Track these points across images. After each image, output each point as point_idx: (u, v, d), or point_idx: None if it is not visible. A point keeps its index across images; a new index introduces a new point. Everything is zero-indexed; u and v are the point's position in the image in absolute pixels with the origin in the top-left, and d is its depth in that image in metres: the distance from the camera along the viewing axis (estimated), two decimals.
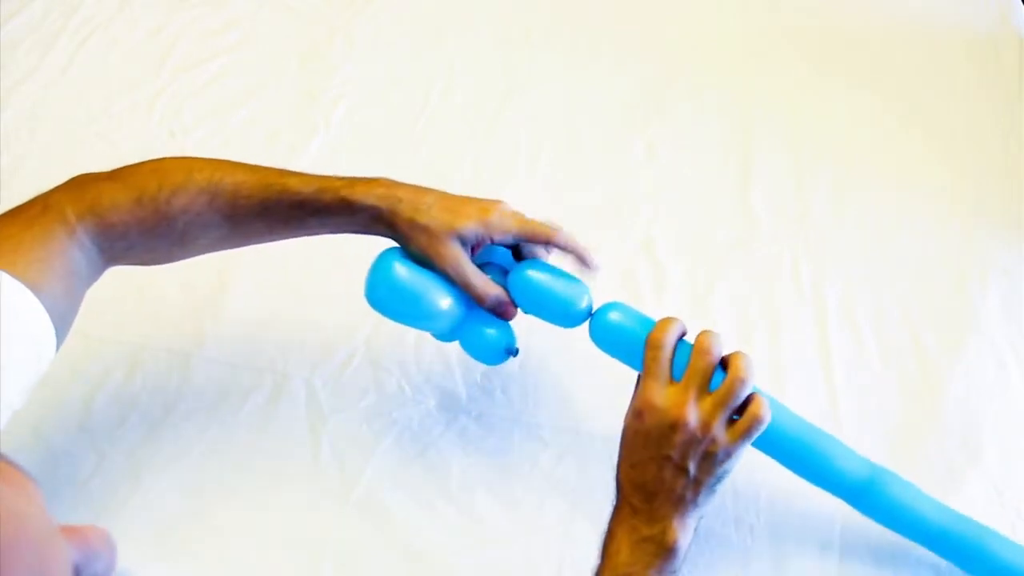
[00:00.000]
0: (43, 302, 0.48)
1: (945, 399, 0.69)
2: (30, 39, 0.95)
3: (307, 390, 0.69)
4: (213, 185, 0.55)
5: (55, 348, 0.50)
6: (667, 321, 0.58)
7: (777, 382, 0.70)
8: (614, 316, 0.60)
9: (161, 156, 0.58)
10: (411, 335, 0.72)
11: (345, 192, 0.56)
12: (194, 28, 0.96)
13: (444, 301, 0.58)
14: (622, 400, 0.69)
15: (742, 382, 0.55)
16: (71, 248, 0.52)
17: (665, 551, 0.55)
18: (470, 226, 0.57)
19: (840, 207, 0.81)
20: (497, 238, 0.58)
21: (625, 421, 0.58)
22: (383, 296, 0.60)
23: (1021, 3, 0.98)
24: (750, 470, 0.66)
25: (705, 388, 0.55)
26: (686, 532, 0.55)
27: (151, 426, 0.67)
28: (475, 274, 0.58)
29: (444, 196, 0.58)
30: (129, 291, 0.75)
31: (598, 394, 0.69)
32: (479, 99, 0.89)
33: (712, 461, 0.55)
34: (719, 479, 0.56)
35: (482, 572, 0.62)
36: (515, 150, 0.86)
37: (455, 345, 0.71)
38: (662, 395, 0.55)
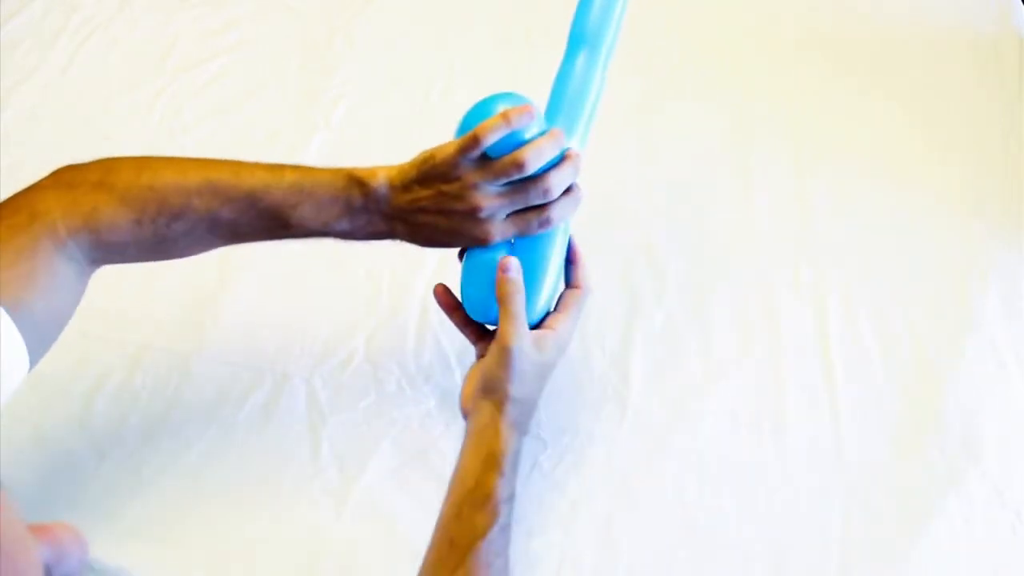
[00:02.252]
0: (20, 322, 0.46)
1: (945, 399, 0.69)
2: (30, 39, 0.95)
3: (307, 390, 0.69)
4: (212, 215, 0.55)
5: (27, 369, 0.48)
6: (506, 279, 0.59)
7: (777, 382, 0.70)
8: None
9: (153, 156, 0.57)
10: (411, 335, 0.72)
11: (347, 237, 0.58)
12: (194, 28, 0.96)
13: None
14: (622, 401, 0.69)
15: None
16: (59, 263, 0.50)
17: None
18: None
19: (840, 207, 0.81)
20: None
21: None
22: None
23: (1021, 3, 0.98)
24: (749, 470, 0.66)
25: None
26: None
27: (151, 426, 0.67)
28: (496, 194, 0.59)
29: (438, 233, 0.59)
30: (129, 291, 0.75)
31: (598, 394, 0.69)
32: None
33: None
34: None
35: None
36: None
37: (455, 345, 0.71)
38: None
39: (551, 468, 0.66)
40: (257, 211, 0.55)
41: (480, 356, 0.62)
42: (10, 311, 0.46)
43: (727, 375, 0.71)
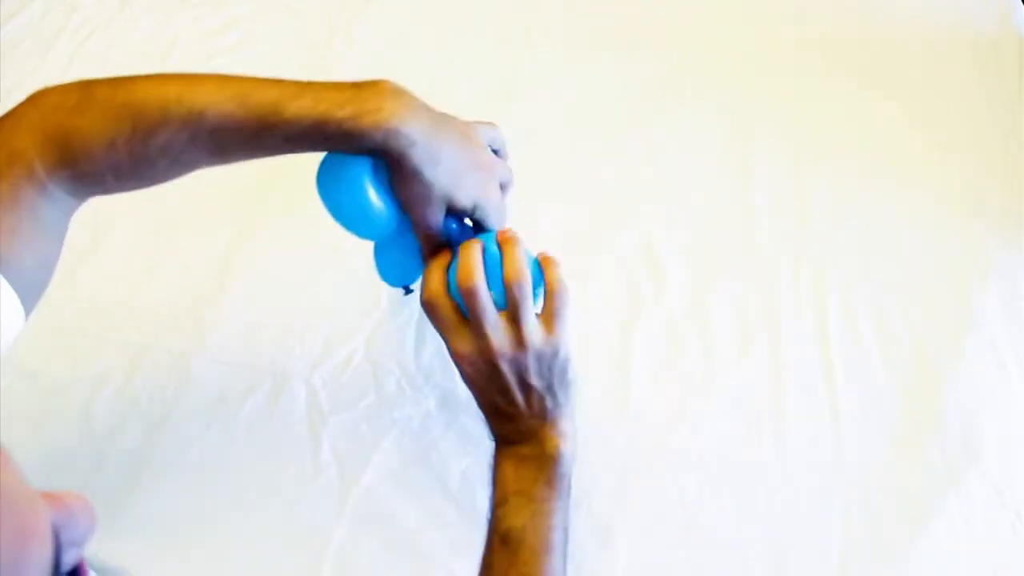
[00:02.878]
0: (10, 276, 0.45)
1: (945, 399, 0.69)
2: (30, 39, 0.95)
3: (307, 390, 0.69)
4: (194, 121, 0.49)
5: (23, 321, 0.47)
6: (431, 274, 0.57)
7: (777, 382, 0.70)
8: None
9: (136, 75, 0.52)
10: (411, 335, 0.72)
11: (350, 126, 0.50)
12: (194, 28, 0.96)
13: (385, 223, 0.56)
14: (622, 401, 0.69)
15: (519, 286, 0.55)
16: (41, 206, 0.48)
17: (548, 459, 0.57)
18: (464, 202, 0.55)
19: (840, 207, 0.81)
20: (476, 216, 0.57)
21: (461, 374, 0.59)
22: (338, 200, 0.56)
23: (1021, 3, 0.98)
24: (749, 470, 0.66)
25: (490, 314, 0.55)
26: (563, 435, 0.58)
27: (151, 426, 0.67)
28: (436, 237, 0.57)
29: (456, 151, 0.54)
30: (129, 291, 0.75)
31: (598, 394, 0.69)
32: (479, 99, 0.89)
33: (546, 364, 0.57)
34: (563, 369, 0.58)
35: None
36: (514, 150, 0.86)
37: None
38: (463, 343, 0.56)
39: None
40: (245, 110, 0.50)
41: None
42: (1, 267, 0.45)
43: (727, 375, 0.71)
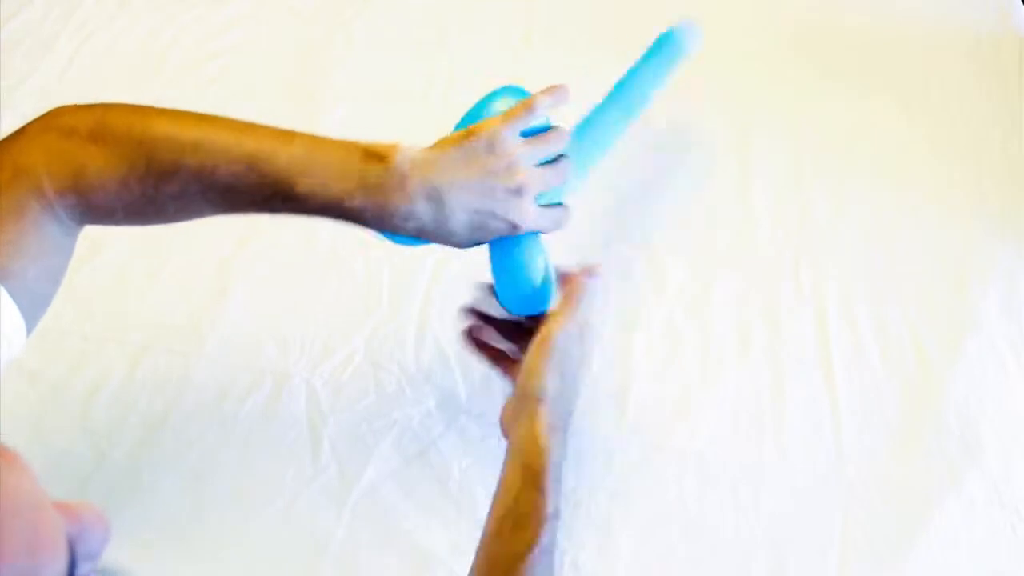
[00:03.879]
0: (12, 289, 0.45)
1: (945, 399, 0.69)
2: (30, 39, 0.95)
3: (307, 390, 0.69)
4: (206, 176, 0.50)
5: (25, 335, 0.47)
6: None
7: (777, 382, 0.70)
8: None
9: (151, 107, 0.51)
10: (411, 335, 0.72)
11: (357, 218, 0.52)
12: (194, 28, 0.96)
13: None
14: (622, 401, 0.69)
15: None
16: (47, 223, 0.48)
17: (539, 456, 0.54)
18: (496, 236, 0.57)
19: (840, 207, 0.81)
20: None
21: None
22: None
23: (1021, 3, 0.98)
24: (749, 470, 0.66)
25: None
26: (553, 431, 0.56)
27: (151, 426, 0.67)
28: (535, 216, 0.59)
29: (471, 203, 0.54)
30: (129, 291, 0.75)
31: (598, 394, 0.69)
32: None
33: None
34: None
35: None
36: None
37: (455, 345, 0.71)
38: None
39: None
40: (258, 176, 0.50)
41: (514, 379, 0.60)
42: (1, 280, 0.45)
43: (727, 375, 0.71)
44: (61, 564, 0.29)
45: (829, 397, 0.69)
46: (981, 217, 0.81)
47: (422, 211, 0.53)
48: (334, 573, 0.61)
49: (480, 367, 0.71)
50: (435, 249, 0.67)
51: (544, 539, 0.52)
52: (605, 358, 0.71)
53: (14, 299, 0.45)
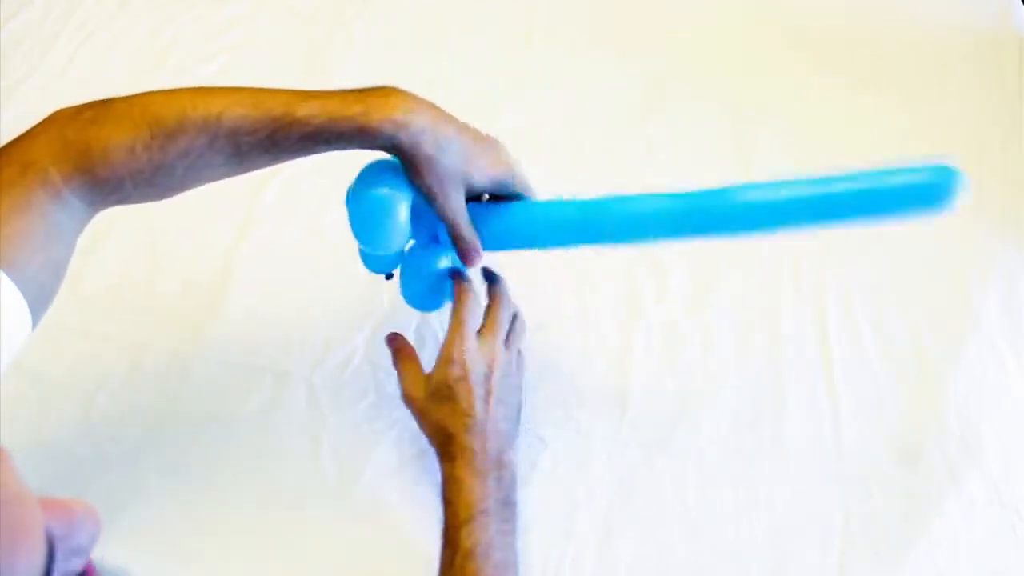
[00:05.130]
0: (19, 281, 0.45)
1: (945, 399, 0.69)
2: (30, 39, 0.95)
3: (307, 390, 0.69)
4: (211, 125, 0.50)
5: (31, 327, 0.48)
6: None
7: (777, 382, 0.70)
8: None
9: (148, 91, 0.52)
10: (411, 335, 0.72)
11: (362, 120, 0.52)
12: (194, 28, 0.96)
13: (402, 242, 0.59)
14: (622, 401, 0.69)
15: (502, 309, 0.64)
16: (54, 212, 0.48)
17: (501, 470, 0.60)
18: (482, 181, 0.56)
19: None
20: (504, 192, 0.59)
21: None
22: (364, 217, 0.58)
23: (1021, 3, 0.98)
24: (749, 470, 0.66)
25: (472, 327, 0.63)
26: (513, 462, 0.62)
27: (151, 426, 0.67)
28: (468, 226, 0.58)
29: (462, 132, 0.55)
30: (129, 291, 0.75)
31: (598, 394, 0.69)
32: (479, 99, 0.89)
33: (512, 383, 0.63)
34: (519, 393, 0.65)
35: None
36: (514, 150, 0.85)
37: None
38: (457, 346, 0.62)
39: (551, 468, 0.66)
40: (260, 112, 0.51)
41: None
42: (8, 271, 0.45)
43: (727, 375, 0.71)
44: (39, 558, 0.29)
45: (829, 397, 0.69)
46: (981, 217, 0.81)
47: (423, 119, 0.53)
48: (334, 573, 0.61)
49: None
50: None
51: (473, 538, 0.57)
52: (605, 358, 0.71)
53: (21, 291, 0.46)
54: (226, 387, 0.69)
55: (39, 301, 0.48)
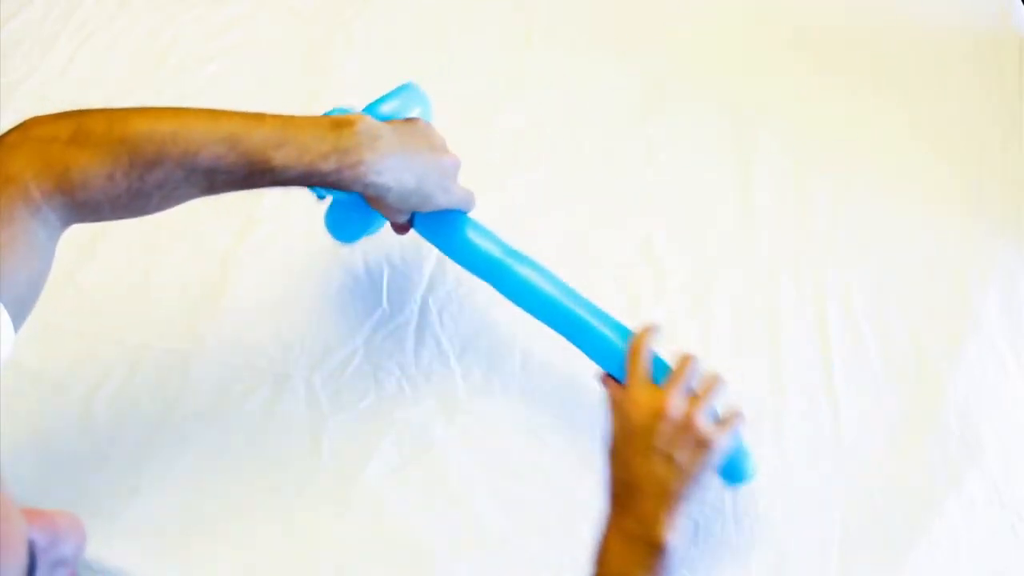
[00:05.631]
0: (1, 293, 0.46)
1: (945, 399, 0.69)
2: (30, 39, 0.95)
3: (307, 390, 0.69)
4: (189, 161, 0.52)
5: (13, 339, 0.47)
6: (645, 331, 0.62)
7: (777, 382, 0.70)
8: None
9: (125, 108, 0.53)
10: (411, 335, 0.72)
11: (334, 178, 0.55)
12: (194, 28, 0.96)
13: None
14: None
15: (720, 382, 0.61)
16: (34, 227, 0.49)
17: (656, 549, 0.55)
18: (429, 210, 0.61)
19: (840, 207, 0.81)
20: None
21: (611, 423, 0.60)
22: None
23: (1021, 3, 0.98)
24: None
25: (684, 389, 0.59)
26: (675, 529, 0.56)
27: (151, 426, 0.67)
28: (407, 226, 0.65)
29: (421, 175, 0.59)
30: (129, 291, 0.75)
31: (598, 394, 0.69)
32: (479, 99, 0.89)
33: (697, 450, 0.57)
34: (704, 469, 0.57)
35: (482, 572, 0.62)
36: (514, 150, 0.86)
37: (455, 345, 0.71)
38: (646, 392, 0.59)
39: (551, 468, 0.66)
40: (236, 154, 0.52)
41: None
42: None
43: (727, 375, 0.71)
44: (19, 570, 0.29)
45: (829, 397, 0.69)
46: (981, 217, 0.81)
47: (390, 176, 0.57)
48: (334, 573, 0.61)
49: (480, 367, 0.71)
50: (435, 249, 0.67)
51: None
52: None
53: (3, 303, 0.46)
54: (226, 387, 0.69)
55: (19, 317, 0.48)
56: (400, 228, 0.66)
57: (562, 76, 0.92)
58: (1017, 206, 0.81)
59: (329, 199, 0.67)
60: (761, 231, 0.80)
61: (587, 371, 0.67)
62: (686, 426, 0.57)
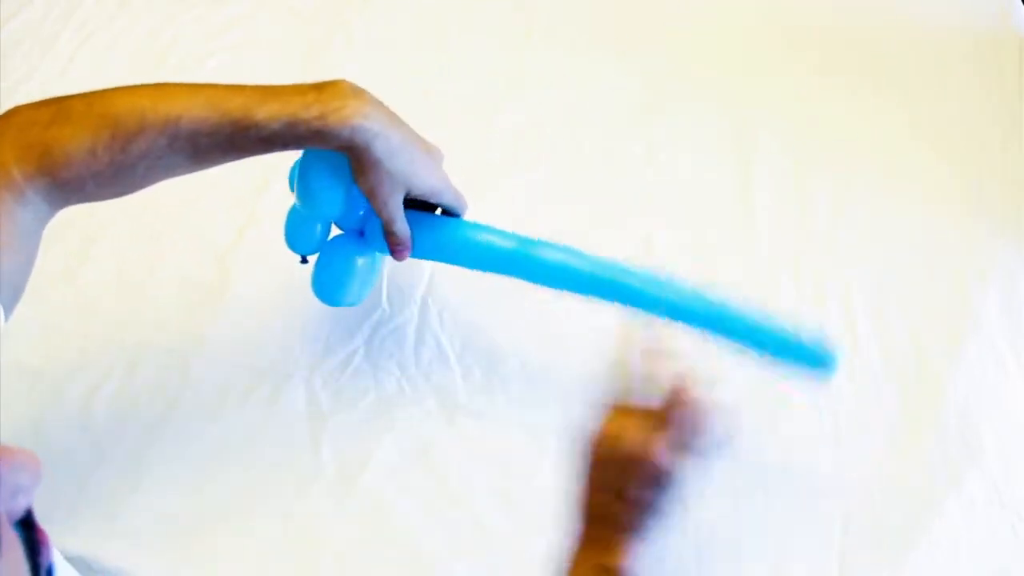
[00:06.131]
0: None
1: (945, 399, 0.69)
2: (30, 39, 0.95)
3: (307, 390, 0.69)
4: (171, 127, 0.52)
5: (4, 319, 0.48)
6: (631, 342, 0.60)
7: (777, 382, 0.70)
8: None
9: (104, 89, 0.54)
10: (411, 335, 0.72)
11: (318, 125, 0.54)
12: (194, 28, 0.96)
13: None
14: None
15: (701, 408, 0.54)
16: (18, 211, 0.49)
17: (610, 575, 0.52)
18: (421, 188, 0.59)
19: (840, 207, 0.81)
20: (437, 203, 0.62)
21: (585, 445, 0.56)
22: (312, 170, 0.61)
23: (1021, 3, 0.98)
24: (749, 471, 0.66)
25: (648, 417, 0.54)
26: (630, 556, 0.53)
27: (151, 426, 0.67)
28: (403, 222, 0.61)
29: (409, 139, 0.58)
30: (129, 291, 0.75)
31: (598, 395, 0.69)
32: (479, 99, 0.89)
33: (653, 484, 0.53)
34: (662, 501, 0.53)
35: (482, 572, 0.62)
36: (514, 149, 0.86)
37: (455, 345, 0.71)
38: (615, 420, 0.55)
39: (551, 468, 0.66)
40: (219, 114, 0.53)
41: None
42: None
43: (727, 375, 0.70)
44: None
45: (829, 397, 0.69)
46: (981, 217, 0.81)
47: (376, 123, 0.55)
48: (334, 573, 0.61)
49: (480, 367, 0.71)
50: None
51: None
52: (606, 359, 0.71)
53: None
54: (226, 387, 0.69)
55: (9, 303, 0.48)
56: (396, 244, 0.62)
57: (562, 76, 0.92)
58: (1017, 206, 0.81)
59: (314, 259, 0.66)
60: (761, 231, 0.80)
61: (587, 371, 0.67)
62: (641, 459, 0.52)
